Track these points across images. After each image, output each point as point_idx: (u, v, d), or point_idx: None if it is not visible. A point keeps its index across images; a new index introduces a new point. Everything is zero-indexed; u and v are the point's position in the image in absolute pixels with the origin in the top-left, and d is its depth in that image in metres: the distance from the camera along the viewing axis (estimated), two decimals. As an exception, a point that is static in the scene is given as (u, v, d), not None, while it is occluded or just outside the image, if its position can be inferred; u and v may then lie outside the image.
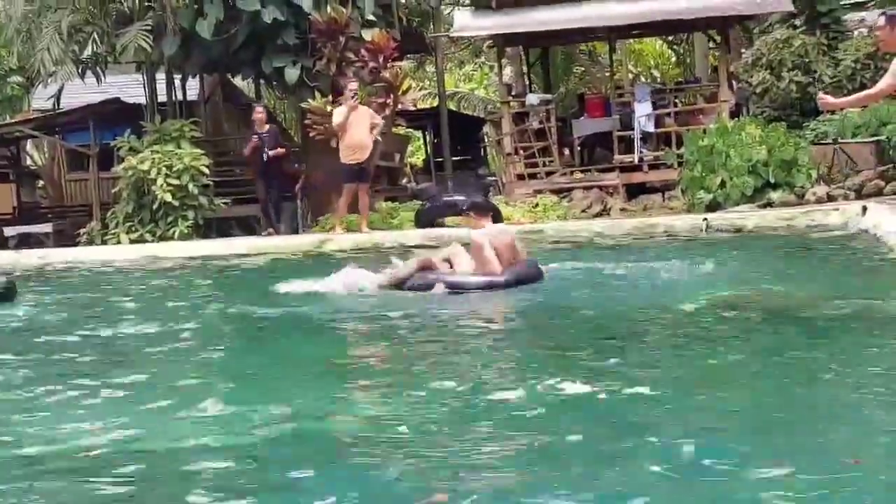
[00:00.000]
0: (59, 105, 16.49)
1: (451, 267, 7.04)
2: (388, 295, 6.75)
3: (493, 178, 18.45)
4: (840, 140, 13.41)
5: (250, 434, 3.40)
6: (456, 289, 6.67)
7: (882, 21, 6.99)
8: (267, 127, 14.08)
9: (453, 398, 3.81)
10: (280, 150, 13.97)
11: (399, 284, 6.90)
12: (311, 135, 13.56)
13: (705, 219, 10.88)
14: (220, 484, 2.89)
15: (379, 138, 12.94)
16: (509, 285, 6.68)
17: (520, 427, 3.35)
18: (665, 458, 2.87)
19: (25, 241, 15.92)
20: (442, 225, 12.98)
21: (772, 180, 12.36)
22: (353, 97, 12.44)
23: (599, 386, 3.80)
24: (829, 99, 8.24)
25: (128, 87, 17.94)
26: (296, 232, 14.04)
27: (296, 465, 3.02)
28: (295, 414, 3.66)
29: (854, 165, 12.97)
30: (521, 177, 15.86)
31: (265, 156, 13.68)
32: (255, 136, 13.77)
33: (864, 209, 9.55)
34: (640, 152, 15.57)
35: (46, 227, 16.43)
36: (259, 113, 14.02)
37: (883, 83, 7.17)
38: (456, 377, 4.14)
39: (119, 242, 13.66)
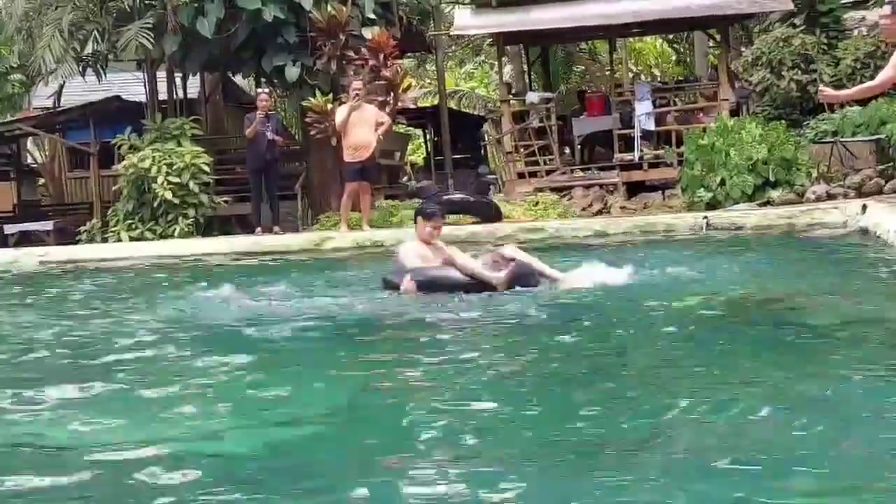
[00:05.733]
0: (59, 103, 16.51)
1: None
2: None
3: (494, 177, 18.47)
4: (840, 139, 13.42)
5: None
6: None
7: (888, 10, 7.01)
8: (272, 113, 13.95)
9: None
10: (279, 139, 13.86)
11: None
12: (311, 133, 13.57)
13: (705, 217, 10.89)
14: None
15: (381, 136, 12.94)
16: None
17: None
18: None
19: (26, 239, 15.93)
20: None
21: (772, 179, 12.37)
22: (355, 97, 12.44)
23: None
24: (830, 91, 8.28)
25: (128, 85, 17.97)
26: (295, 230, 14.04)
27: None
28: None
29: (854, 160, 13.00)
30: (521, 175, 15.89)
31: (268, 135, 13.52)
32: (262, 114, 13.55)
33: (864, 208, 9.55)
34: (640, 150, 15.59)
35: (47, 225, 16.45)
36: (264, 100, 13.82)
37: (883, 75, 7.19)
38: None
39: (119, 240, 13.67)
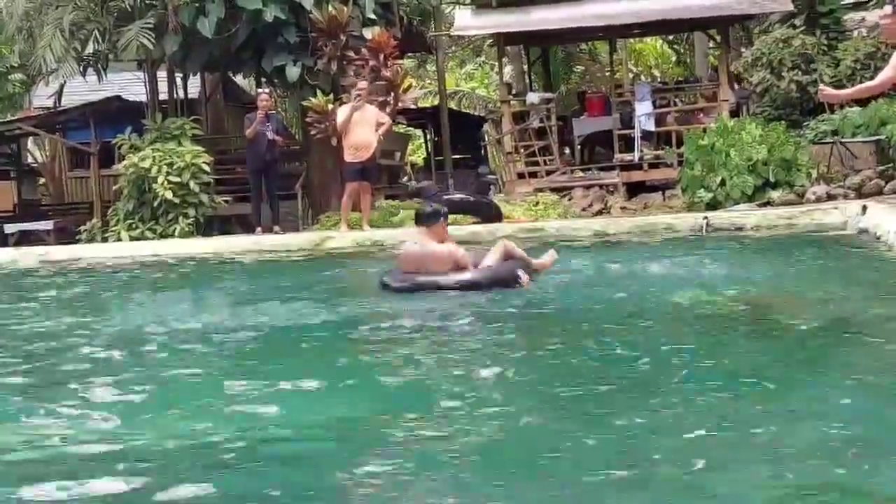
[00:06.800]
0: (60, 103, 16.51)
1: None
2: None
3: (494, 177, 18.45)
4: (840, 140, 13.42)
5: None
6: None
7: (888, 10, 7.02)
8: (272, 113, 13.98)
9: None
10: (278, 139, 13.87)
11: None
12: (311, 133, 13.57)
13: (705, 217, 10.88)
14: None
15: (381, 137, 12.95)
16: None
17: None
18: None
19: (26, 239, 15.92)
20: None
21: (772, 179, 12.37)
22: (356, 98, 12.44)
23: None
24: (830, 91, 8.29)
25: (129, 84, 17.97)
26: (296, 230, 14.04)
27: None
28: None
29: (854, 160, 12.99)
30: (521, 175, 15.88)
31: (268, 135, 13.54)
32: (262, 114, 13.57)
33: (864, 208, 9.55)
34: (641, 151, 15.59)
35: (47, 225, 16.45)
36: (264, 100, 13.82)
37: (883, 75, 7.20)
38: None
39: (119, 240, 13.68)
